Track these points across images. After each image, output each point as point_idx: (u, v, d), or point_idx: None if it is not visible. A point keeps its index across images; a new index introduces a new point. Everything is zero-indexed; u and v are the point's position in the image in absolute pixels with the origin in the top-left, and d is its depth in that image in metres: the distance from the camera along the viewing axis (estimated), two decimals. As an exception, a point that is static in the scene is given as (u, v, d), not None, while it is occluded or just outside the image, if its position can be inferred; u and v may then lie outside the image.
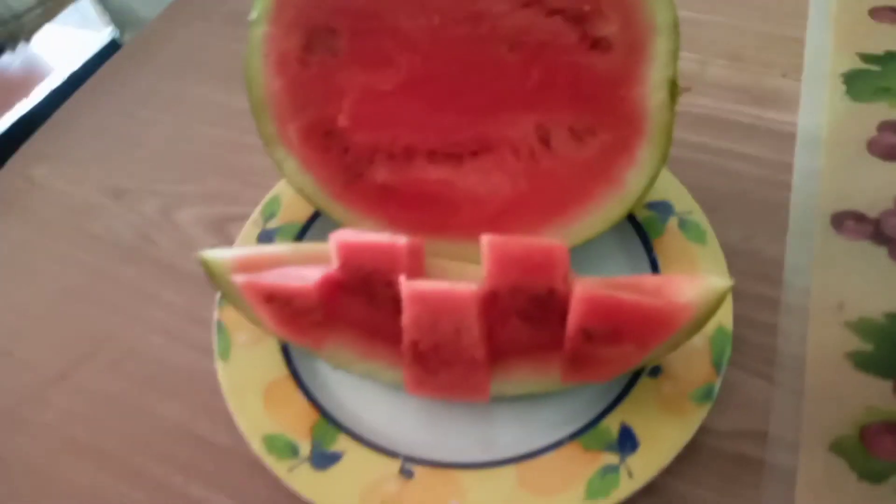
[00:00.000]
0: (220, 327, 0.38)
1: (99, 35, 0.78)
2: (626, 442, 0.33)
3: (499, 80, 0.36)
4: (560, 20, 0.35)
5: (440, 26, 0.36)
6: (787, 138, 0.46)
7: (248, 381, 0.37)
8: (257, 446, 0.34)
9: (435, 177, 0.38)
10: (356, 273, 0.33)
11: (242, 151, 0.50)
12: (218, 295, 0.39)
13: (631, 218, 0.41)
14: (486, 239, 0.32)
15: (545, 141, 0.37)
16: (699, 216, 0.40)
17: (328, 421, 0.35)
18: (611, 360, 0.31)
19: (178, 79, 0.57)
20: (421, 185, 0.38)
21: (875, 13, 0.52)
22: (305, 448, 0.34)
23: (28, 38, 0.73)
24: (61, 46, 0.74)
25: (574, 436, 0.34)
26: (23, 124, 0.79)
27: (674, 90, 0.35)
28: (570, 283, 0.32)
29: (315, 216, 0.43)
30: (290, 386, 0.37)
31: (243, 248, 0.35)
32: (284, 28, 0.37)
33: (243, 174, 0.49)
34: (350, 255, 0.33)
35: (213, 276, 0.33)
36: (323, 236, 0.43)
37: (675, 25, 0.34)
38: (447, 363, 0.33)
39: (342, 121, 0.38)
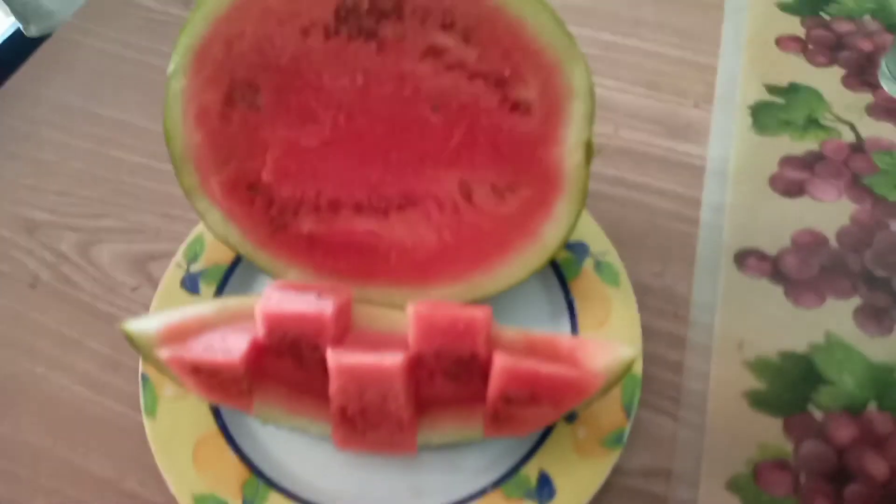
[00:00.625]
0: (146, 381, 0.38)
1: (2, 23, 0.73)
2: (545, 489, 0.35)
3: (423, 138, 0.37)
4: (482, 83, 0.35)
5: (364, 86, 0.36)
6: (697, 172, 0.48)
7: (177, 437, 0.37)
8: (189, 507, 0.35)
9: (361, 228, 0.39)
10: (282, 339, 0.34)
11: (162, 180, 0.49)
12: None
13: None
14: (411, 309, 0.33)
15: (468, 196, 0.38)
16: (613, 257, 0.42)
17: (259, 478, 0.36)
18: (529, 418, 0.33)
19: (93, 96, 0.54)
20: (347, 236, 0.39)
21: (781, 42, 0.55)
22: (237, 507, 0.35)
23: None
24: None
25: (496, 484, 0.36)
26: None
27: (589, 151, 0.36)
28: (491, 344, 0.34)
29: (240, 258, 0.43)
30: (220, 442, 0.37)
31: (167, 314, 0.35)
32: (203, 82, 0.36)
33: (164, 206, 0.48)
34: (276, 325, 0.33)
35: (137, 349, 0.33)
36: (248, 278, 0.43)
37: (591, 91, 0.35)
38: (374, 425, 0.34)
39: (266, 175, 0.38)
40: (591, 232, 0.43)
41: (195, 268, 0.42)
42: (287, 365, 0.35)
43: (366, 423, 0.34)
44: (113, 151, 0.51)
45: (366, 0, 0.34)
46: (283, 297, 0.34)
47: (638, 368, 0.38)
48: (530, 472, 0.36)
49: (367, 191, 0.38)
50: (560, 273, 0.42)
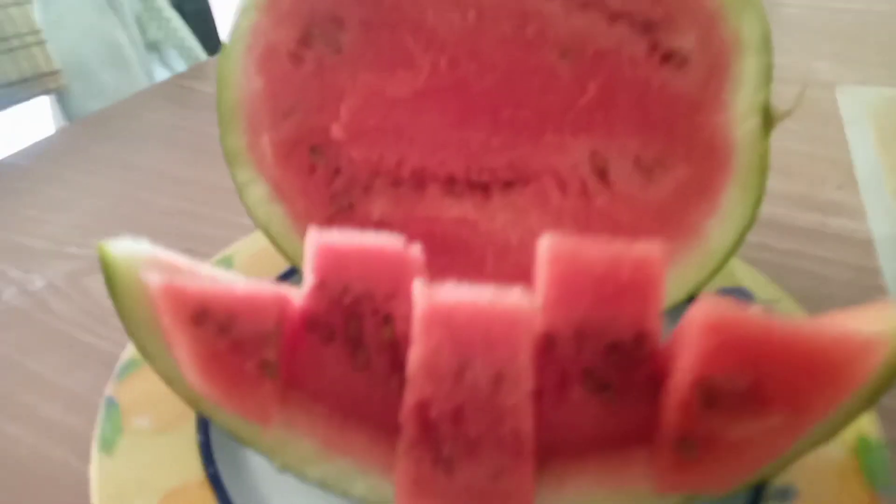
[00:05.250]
0: (111, 406, 0.25)
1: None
2: None
3: (545, 94, 0.28)
4: (625, 27, 0.28)
5: (476, 24, 0.28)
6: (861, 244, 0.38)
7: (138, 484, 0.23)
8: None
9: (452, 214, 0.28)
10: (338, 300, 0.22)
11: (191, 219, 0.40)
12: (118, 366, 0.27)
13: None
14: (545, 244, 0.21)
15: (602, 173, 0.28)
16: (791, 305, 0.30)
17: (261, 552, 0.21)
18: (742, 446, 0.19)
19: (138, 151, 0.48)
20: (431, 225, 0.28)
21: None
22: None
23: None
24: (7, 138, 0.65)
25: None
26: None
27: (767, 119, 0.27)
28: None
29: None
30: (206, 496, 0.23)
31: (170, 256, 0.23)
32: (279, 17, 0.29)
33: (188, 242, 0.39)
34: (333, 268, 0.22)
35: (111, 275, 0.21)
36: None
37: (767, 39, 0.27)
38: (473, 446, 0.20)
39: (336, 132, 0.29)
40: (750, 278, 0.32)
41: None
42: (336, 357, 0.22)
43: (458, 441, 0.20)
44: (141, 193, 0.43)
45: (490, -81, 0.29)
46: (352, 234, 0.23)
47: (872, 431, 0.24)
48: (733, 575, 0.20)
49: (464, 159, 0.28)
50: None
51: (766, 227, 0.40)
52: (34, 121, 0.63)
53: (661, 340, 0.21)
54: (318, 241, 0.22)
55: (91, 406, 0.28)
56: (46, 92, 0.70)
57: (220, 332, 0.21)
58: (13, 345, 0.32)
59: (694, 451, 0.20)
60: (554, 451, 0.22)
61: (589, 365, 0.21)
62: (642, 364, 0.21)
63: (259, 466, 0.25)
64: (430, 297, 0.19)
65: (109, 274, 0.21)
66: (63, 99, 0.73)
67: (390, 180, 0.29)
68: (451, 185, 0.28)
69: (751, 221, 0.27)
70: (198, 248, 0.38)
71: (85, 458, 0.26)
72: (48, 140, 0.51)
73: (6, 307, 0.34)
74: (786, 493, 0.23)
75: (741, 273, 0.32)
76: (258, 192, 0.29)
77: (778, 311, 0.30)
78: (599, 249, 0.21)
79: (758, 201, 0.27)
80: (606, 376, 0.21)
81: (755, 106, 0.27)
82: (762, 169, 0.27)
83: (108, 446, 0.24)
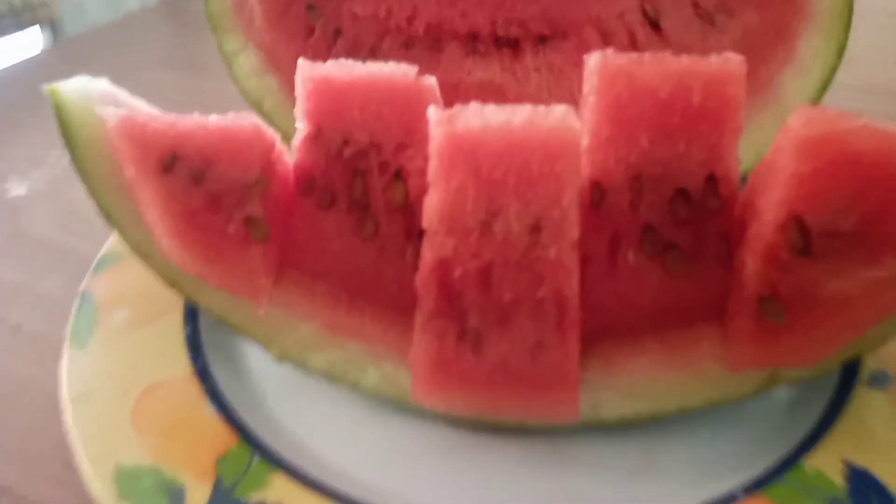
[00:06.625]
0: (86, 301, 0.22)
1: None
2: (867, 491, 0.16)
3: (583, -73, 0.24)
4: None
5: None
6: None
7: (114, 378, 0.20)
8: (102, 489, 0.16)
9: (475, 77, 0.24)
10: (338, 153, 0.18)
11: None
12: (94, 261, 0.23)
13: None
14: (594, 62, 0.17)
15: (654, 23, 0.24)
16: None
17: (253, 450, 0.18)
18: (839, 305, 0.16)
19: (129, 63, 0.45)
20: (451, 92, 0.24)
21: None
22: (198, 494, 0.16)
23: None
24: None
25: (755, 487, 0.16)
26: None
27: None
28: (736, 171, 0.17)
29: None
30: (192, 390, 0.19)
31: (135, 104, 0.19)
32: None
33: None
34: (331, 111, 0.18)
35: (64, 118, 0.17)
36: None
37: None
38: (506, 315, 0.16)
39: (337, -17, 0.25)
40: None
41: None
42: (339, 225, 0.19)
43: (488, 312, 0.16)
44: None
45: None
46: (347, 66, 0.18)
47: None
48: (823, 463, 0.17)
49: (489, 11, 0.24)
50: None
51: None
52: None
53: (738, 186, 0.17)
54: (310, 76, 0.18)
55: (66, 310, 0.25)
56: (37, 23, 0.67)
57: (194, 181, 0.17)
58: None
59: (779, 313, 0.16)
60: (603, 332, 0.18)
61: (649, 220, 0.17)
62: (716, 216, 0.17)
63: (256, 365, 0.21)
64: (450, 124, 0.15)
65: (63, 118, 0.17)
66: (56, 34, 0.69)
67: (401, 40, 0.24)
68: (473, 42, 0.24)
69: (833, 72, 0.23)
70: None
71: (57, 363, 0.23)
72: (33, 58, 0.47)
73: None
74: (882, 377, 0.19)
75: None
76: (248, 62, 0.25)
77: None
78: (663, 67, 0.16)
79: (841, 49, 0.23)
80: (671, 234, 0.17)
81: (835, -66, 0.22)
82: (846, 12, 0.23)
83: (81, 340, 0.21)
